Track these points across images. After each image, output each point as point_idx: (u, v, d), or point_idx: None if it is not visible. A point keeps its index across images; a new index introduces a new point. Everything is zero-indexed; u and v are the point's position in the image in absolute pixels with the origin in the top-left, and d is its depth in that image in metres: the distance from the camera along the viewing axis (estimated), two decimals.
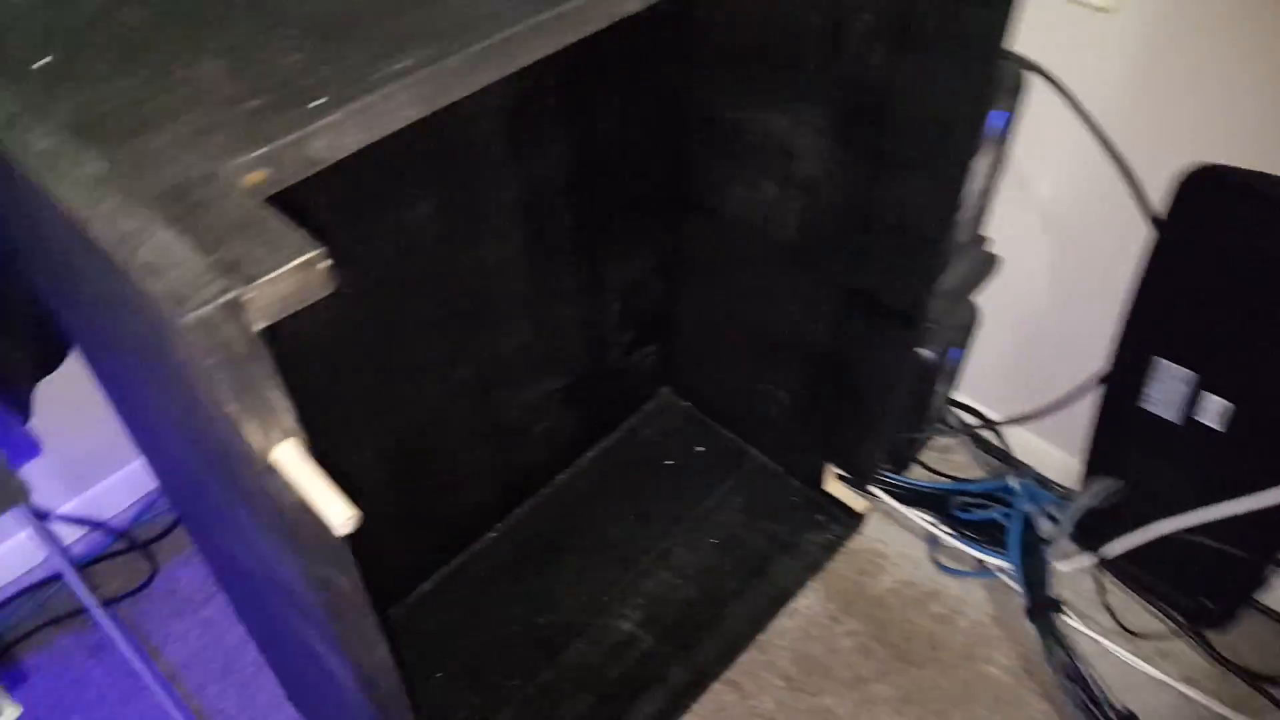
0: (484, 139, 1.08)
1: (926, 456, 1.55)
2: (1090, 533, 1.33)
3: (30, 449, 1.33)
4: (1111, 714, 1.19)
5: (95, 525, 1.45)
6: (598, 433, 1.55)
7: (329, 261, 0.45)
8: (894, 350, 1.20)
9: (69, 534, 1.44)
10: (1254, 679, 1.28)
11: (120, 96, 0.55)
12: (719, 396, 1.55)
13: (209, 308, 0.42)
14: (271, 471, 0.49)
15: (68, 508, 1.43)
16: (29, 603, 1.39)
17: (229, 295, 0.42)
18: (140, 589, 1.42)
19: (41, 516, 1.38)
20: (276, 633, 0.98)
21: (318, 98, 0.53)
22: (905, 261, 1.12)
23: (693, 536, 1.42)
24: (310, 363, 1.01)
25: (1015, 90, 1.15)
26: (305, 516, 0.52)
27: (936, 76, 0.96)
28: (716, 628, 1.31)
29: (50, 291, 0.75)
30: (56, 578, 1.40)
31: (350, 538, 0.53)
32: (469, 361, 1.23)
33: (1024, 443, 1.51)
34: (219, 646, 1.35)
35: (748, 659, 1.31)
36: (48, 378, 1.12)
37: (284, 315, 0.45)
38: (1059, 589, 1.32)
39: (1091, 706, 1.19)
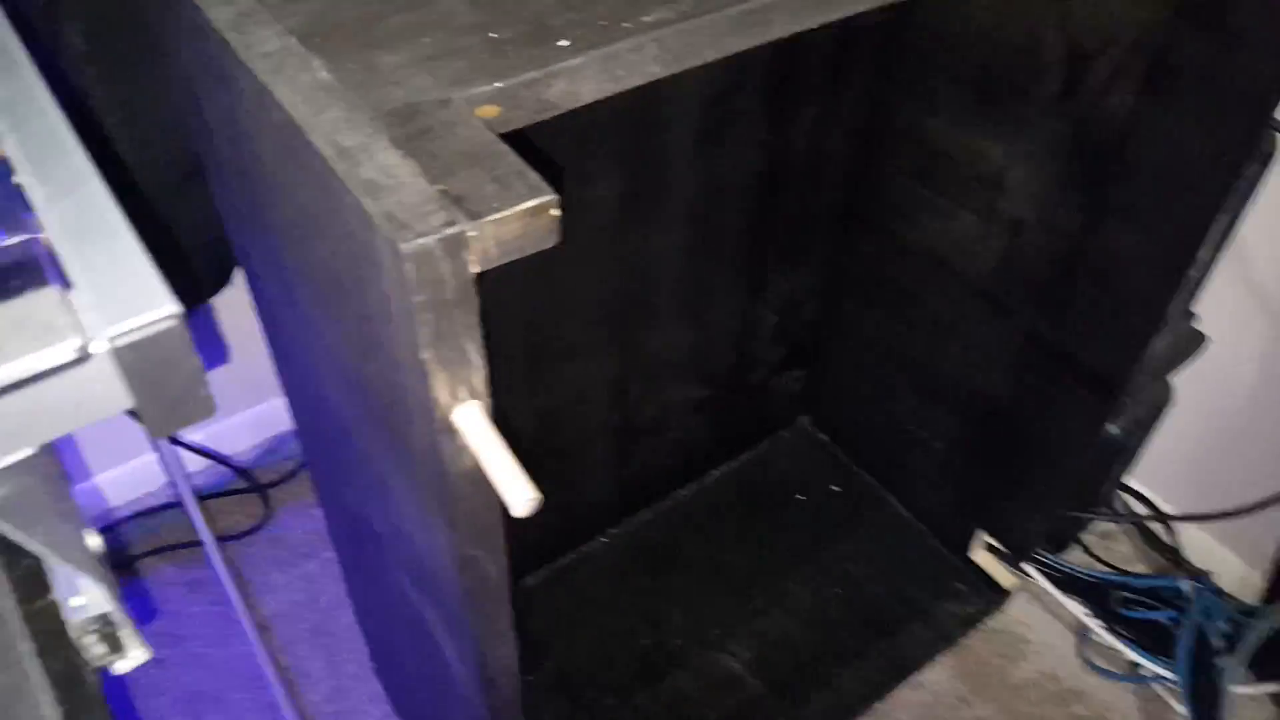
0: (674, 127, 1.02)
1: (1088, 541, 1.42)
2: (1271, 657, 1.19)
3: (220, 355, 1.33)
4: None
5: (219, 459, 1.45)
6: (729, 451, 1.48)
7: (559, 211, 0.40)
8: (1083, 418, 1.10)
9: (192, 464, 1.44)
10: None
11: (355, 9, 0.51)
12: (864, 435, 1.46)
13: (431, 239, 0.37)
14: (450, 432, 0.44)
15: (195, 438, 1.43)
16: (140, 527, 1.39)
17: (454, 229, 0.37)
18: (249, 532, 1.40)
19: (171, 442, 1.38)
20: (384, 604, 0.94)
21: (563, 39, 0.48)
22: (1115, 322, 1.01)
23: (817, 581, 1.33)
24: None
25: (1266, 155, 1.04)
26: (473, 488, 0.47)
27: (1188, 128, 0.86)
28: (831, 686, 1.22)
29: (233, 210, 0.72)
30: (170, 506, 1.40)
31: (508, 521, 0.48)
32: (615, 352, 1.18)
33: (1198, 543, 1.37)
34: (315, 605, 1.33)
35: None
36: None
37: (502, 261, 0.40)
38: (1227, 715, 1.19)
39: None
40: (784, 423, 1.53)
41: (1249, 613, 1.21)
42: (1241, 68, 0.81)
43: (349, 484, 0.80)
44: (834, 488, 1.46)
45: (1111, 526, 1.43)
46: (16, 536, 0.30)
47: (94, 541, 0.37)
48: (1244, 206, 1.07)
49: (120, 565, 1.34)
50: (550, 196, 0.39)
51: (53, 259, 0.30)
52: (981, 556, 1.34)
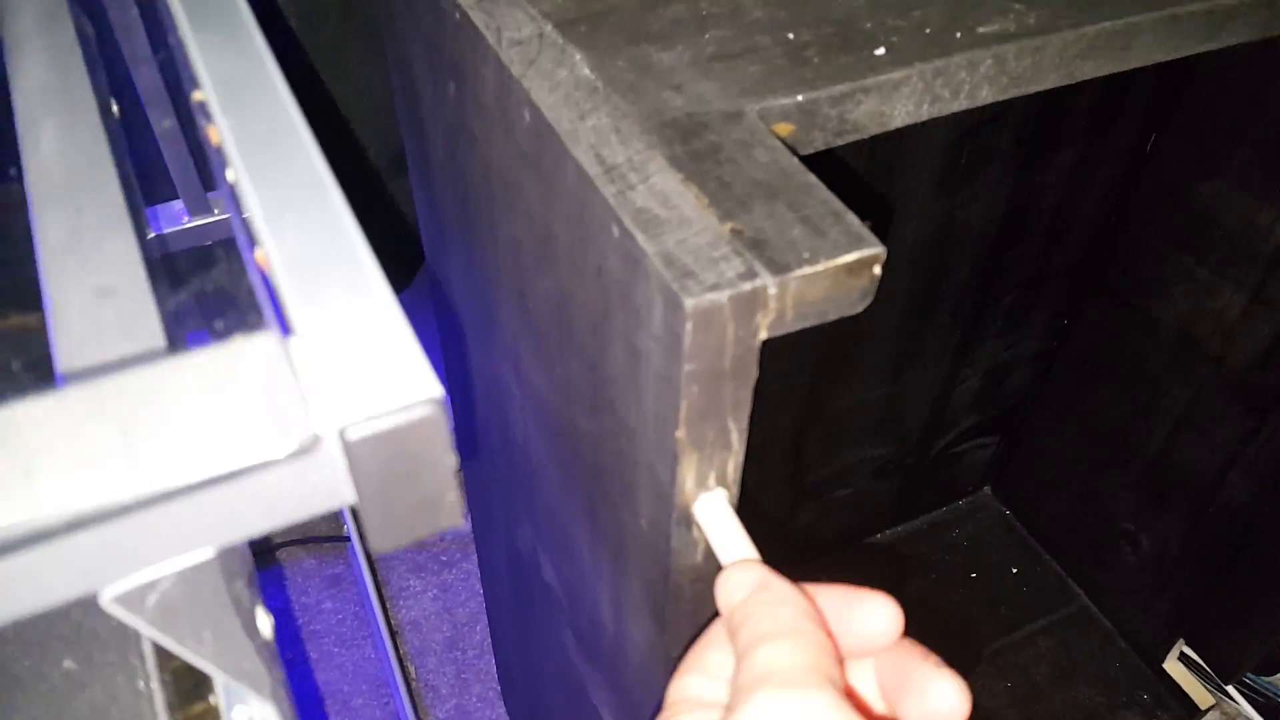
0: (917, 159, 0.92)
1: None
2: None
3: None
4: None
5: None
6: (901, 515, 1.35)
7: (879, 270, 0.31)
8: None
9: None
10: None
11: None
12: (1056, 519, 1.31)
13: (722, 294, 0.28)
14: (686, 524, 0.36)
15: None
16: None
17: (751, 284, 0.28)
18: None
19: None
20: (533, 647, 0.87)
21: (879, 46, 0.39)
22: None
23: (984, 670, 1.20)
24: None
25: None
26: (699, 588, 0.39)
27: None
28: None
29: (435, 212, 0.66)
30: None
31: None
32: (800, 402, 1.08)
33: None
34: (450, 617, 1.27)
35: None
36: None
37: (796, 328, 0.31)
38: None
39: None
40: (965, 492, 1.40)
41: None
42: None
43: (520, 521, 0.73)
44: (1014, 570, 1.32)
45: None
46: (174, 648, 0.23)
47: (265, 627, 0.30)
48: None
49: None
50: (877, 250, 0.30)
51: (268, 287, 0.23)
52: (1175, 668, 1.18)
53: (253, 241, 0.25)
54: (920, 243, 0.98)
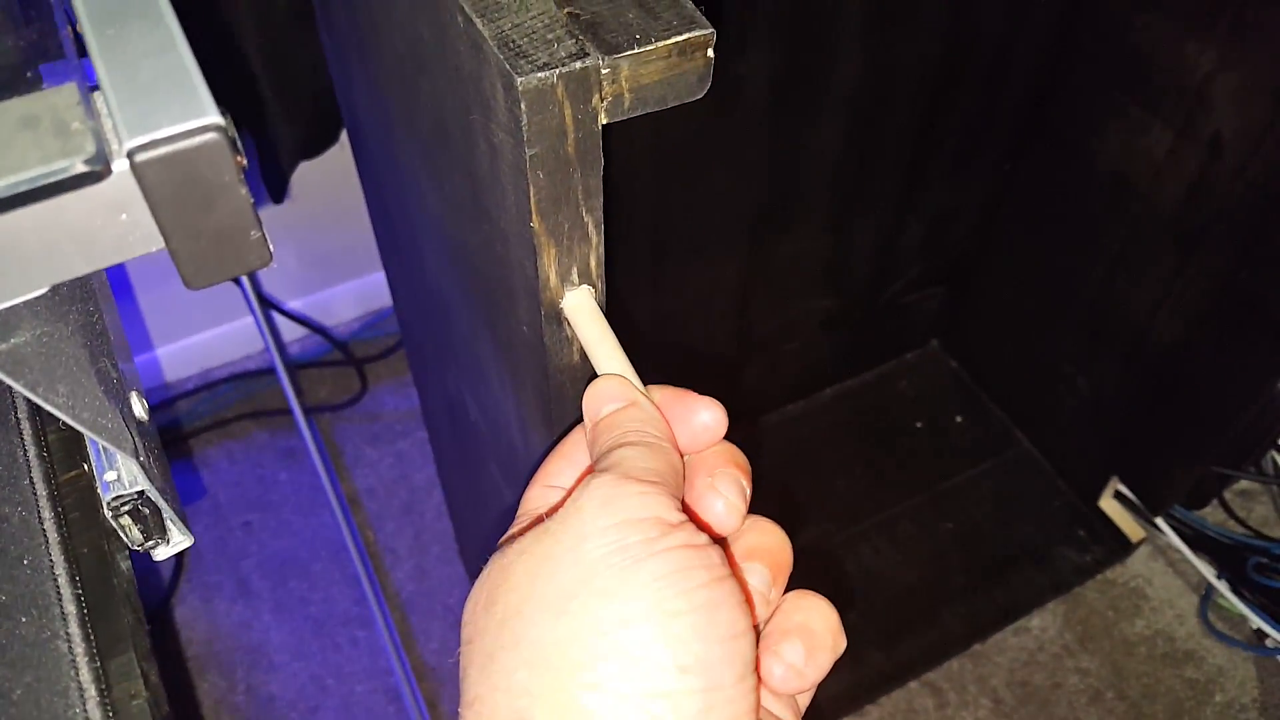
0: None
1: (1225, 498, 1.30)
2: None
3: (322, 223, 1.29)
4: None
5: (317, 329, 1.43)
6: (849, 369, 1.38)
7: (712, 53, 0.31)
8: (1259, 373, 0.97)
9: (289, 332, 1.42)
10: None
11: None
12: (999, 367, 1.34)
13: (553, 73, 0.29)
14: (556, 320, 0.37)
15: (294, 305, 1.41)
16: (237, 390, 1.39)
17: (583, 63, 0.29)
18: (345, 405, 1.39)
19: (269, 306, 1.36)
20: (475, 493, 0.90)
21: None
22: None
23: (927, 514, 1.25)
24: None
25: None
26: (578, 389, 0.40)
27: None
28: (931, 622, 1.15)
29: (337, 50, 0.65)
30: (268, 371, 1.38)
31: None
32: (744, 255, 1.09)
33: None
34: (406, 484, 1.31)
35: (957, 666, 1.15)
36: (308, 163, 1.06)
37: (636, 113, 0.32)
38: None
39: None
40: (913, 345, 1.42)
41: None
42: None
43: (446, 366, 0.75)
44: (958, 419, 1.36)
45: (1254, 485, 1.31)
46: (27, 394, 0.24)
47: (139, 409, 0.32)
48: None
49: (215, 426, 1.34)
50: (706, 31, 0.31)
51: (82, 50, 0.24)
52: (1110, 505, 1.23)
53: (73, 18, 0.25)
54: (854, 82, 0.98)
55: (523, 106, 0.29)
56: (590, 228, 0.34)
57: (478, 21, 0.31)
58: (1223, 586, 1.18)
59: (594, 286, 0.37)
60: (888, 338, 1.39)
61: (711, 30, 0.31)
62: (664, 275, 1.05)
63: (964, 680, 1.14)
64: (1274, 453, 1.29)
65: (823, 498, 1.26)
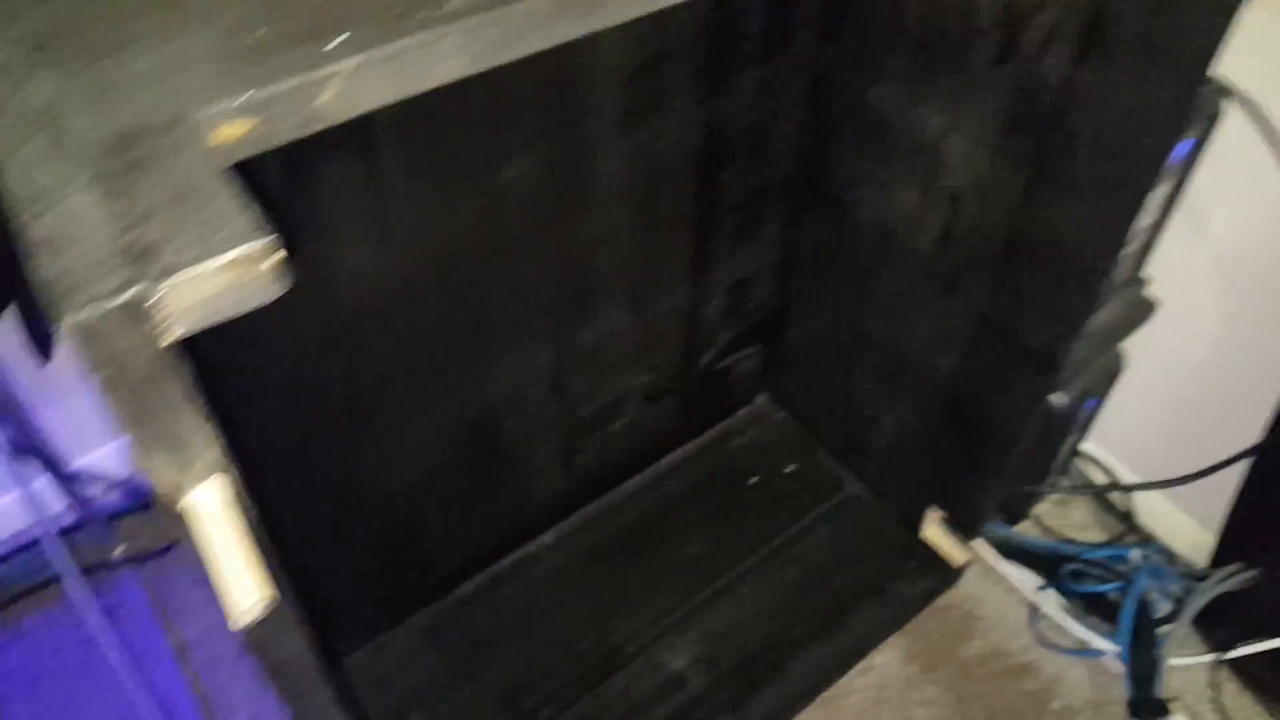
0: (594, 102, 0.95)
1: (1042, 510, 1.38)
2: (1216, 621, 1.15)
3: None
4: None
5: (118, 482, 1.38)
6: (683, 436, 1.42)
7: (280, 255, 0.34)
8: (1025, 394, 1.04)
9: (100, 484, 1.37)
10: None
11: (110, 7, 0.44)
12: (821, 414, 1.40)
13: (98, 308, 0.31)
14: (182, 521, 0.38)
15: (99, 453, 1.36)
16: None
17: (129, 293, 0.31)
18: (166, 550, 1.34)
19: (52, 470, 1.29)
20: None
21: (339, 34, 0.41)
22: (1052, 297, 0.95)
23: (769, 567, 1.28)
24: (376, 326, 0.91)
25: (1210, 116, 0.97)
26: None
27: (1126, 93, 0.79)
28: (779, 677, 1.18)
29: None
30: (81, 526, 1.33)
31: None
32: (551, 344, 1.11)
33: (1153, 508, 1.32)
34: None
35: (807, 716, 1.17)
36: None
37: (209, 324, 0.34)
38: (1171, 684, 1.15)
39: None
40: (742, 402, 1.47)
41: (1200, 578, 1.16)
42: (1176, 27, 0.74)
43: None
44: (791, 467, 1.40)
45: (1070, 496, 1.38)
46: None
47: None
48: (1189, 171, 1.00)
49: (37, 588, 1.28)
50: (264, 241, 0.33)
51: None
52: (932, 533, 1.29)
53: None
54: (621, 175, 1.02)
55: (74, 342, 0.31)
56: (190, 433, 0.36)
57: (36, 261, 0.32)
58: (1046, 597, 1.25)
59: (218, 478, 0.38)
60: (715, 400, 1.43)
61: (268, 239, 0.33)
62: (474, 375, 1.06)
63: None
64: (1083, 460, 1.38)
65: (670, 569, 1.28)
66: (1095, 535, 1.35)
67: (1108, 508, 1.37)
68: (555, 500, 1.31)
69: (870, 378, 1.24)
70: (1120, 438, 1.34)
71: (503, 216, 0.96)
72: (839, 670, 1.20)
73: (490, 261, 0.98)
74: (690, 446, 1.42)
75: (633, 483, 1.38)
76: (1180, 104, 0.77)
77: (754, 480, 1.39)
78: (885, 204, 1.08)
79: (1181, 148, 0.97)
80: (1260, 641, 1.14)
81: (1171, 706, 1.11)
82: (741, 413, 1.47)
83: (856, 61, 1.03)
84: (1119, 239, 0.86)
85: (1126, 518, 1.35)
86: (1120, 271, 1.08)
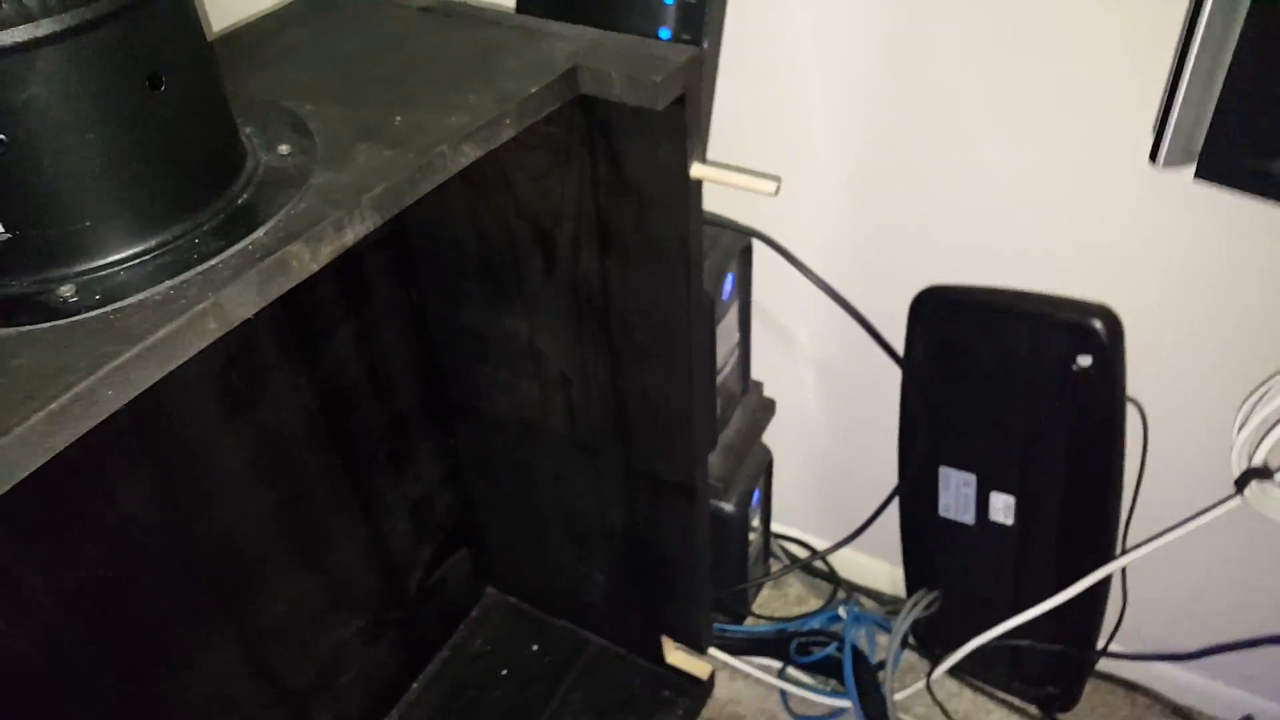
0: (197, 405, 0.98)
1: (764, 597, 1.51)
2: (925, 642, 1.31)
3: None
4: None
5: None
6: (421, 661, 1.44)
7: None
8: (683, 520, 1.17)
9: None
10: None
11: None
12: (543, 586, 1.47)
13: None
14: None
15: None
16: None
17: None
18: None
19: None
20: None
21: None
22: (669, 440, 1.09)
23: None
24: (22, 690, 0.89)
25: (744, 251, 1.16)
26: None
27: (642, 274, 0.95)
28: None
29: None
30: None
31: None
32: (234, 638, 1.11)
33: (851, 563, 1.49)
34: None
35: None
36: None
37: None
38: (906, 711, 1.30)
39: None
40: (470, 605, 1.52)
41: (896, 611, 1.33)
42: (655, 220, 0.90)
43: None
44: (533, 648, 1.46)
45: (783, 575, 1.53)
46: None
47: None
48: (748, 295, 1.19)
49: None
50: None
51: None
52: (675, 657, 1.38)
53: None
54: (256, 457, 1.05)
55: None
56: None
57: None
58: (782, 681, 1.37)
59: None
60: (441, 613, 1.47)
61: None
62: (158, 689, 1.05)
63: None
64: (783, 543, 1.53)
65: None
66: (814, 604, 1.50)
67: (816, 575, 1.53)
68: None
69: (565, 544, 1.33)
70: (799, 512, 1.51)
71: (130, 545, 0.93)
72: None
73: (133, 590, 0.96)
74: (433, 666, 1.45)
75: None
76: (681, 276, 0.93)
77: (505, 672, 1.44)
78: (514, 401, 1.19)
79: (727, 283, 1.15)
80: (961, 647, 1.30)
81: None
82: (474, 613, 1.52)
83: (441, 294, 1.15)
84: (689, 387, 1.01)
85: (833, 578, 1.51)
86: (731, 385, 1.24)
